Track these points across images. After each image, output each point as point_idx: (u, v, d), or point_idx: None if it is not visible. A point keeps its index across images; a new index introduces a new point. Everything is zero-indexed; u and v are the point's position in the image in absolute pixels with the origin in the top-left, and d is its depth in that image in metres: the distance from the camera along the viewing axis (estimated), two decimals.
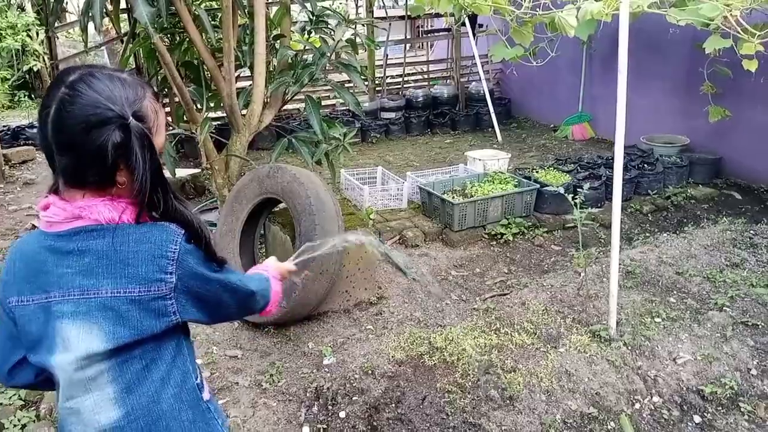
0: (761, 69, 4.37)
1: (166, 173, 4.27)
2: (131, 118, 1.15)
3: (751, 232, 4.62)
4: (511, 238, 4.81)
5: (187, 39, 4.00)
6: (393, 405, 2.84)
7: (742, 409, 2.85)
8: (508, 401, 2.83)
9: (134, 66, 6.33)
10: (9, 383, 1.34)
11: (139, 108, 1.18)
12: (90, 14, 3.28)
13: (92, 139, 1.12)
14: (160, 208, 1.22)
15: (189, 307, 1.27)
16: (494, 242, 4.81)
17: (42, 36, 10.20)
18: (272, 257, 1.77)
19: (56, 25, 5.60)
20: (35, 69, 11.02)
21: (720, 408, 2.87)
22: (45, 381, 1.30)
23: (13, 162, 7.09)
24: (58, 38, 6.45)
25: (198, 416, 1.32)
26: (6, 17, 9.89)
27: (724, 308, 3.48)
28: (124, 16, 5.48)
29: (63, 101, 1.13)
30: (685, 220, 5.22)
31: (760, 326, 3.31)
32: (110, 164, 1.15)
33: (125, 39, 5.41)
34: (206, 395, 1.38)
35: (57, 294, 1.19)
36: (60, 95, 1.13)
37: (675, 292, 3.73)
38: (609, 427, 2.75)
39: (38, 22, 9.78)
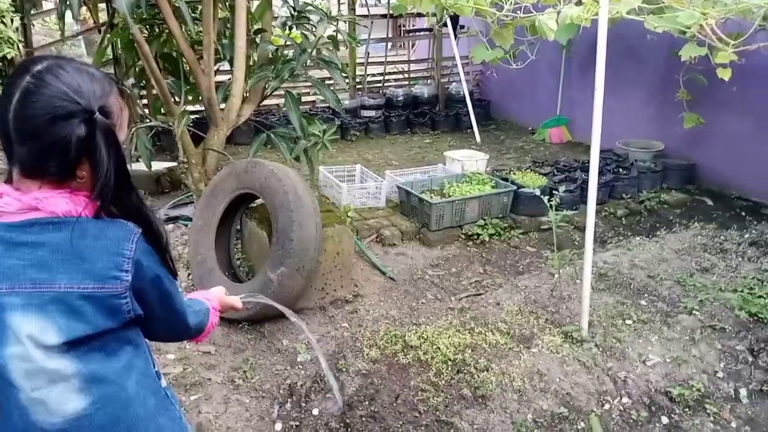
0: (735, 78, 4.46)
1: (142, 166, 4.23)
2: (97, 112, 1.14)
3: (722, 237, 4.71)
4: (487, 239, 4.85)
5: (167, 30, 3.96)
6: (366, 403, 2.85)
7: (708, 411, 2.91)
8: (480, 400, 2.85)
9: (111, 56, 6.23)
10: None
11: (106, 103, 1.17)
12: (68, 2, 3.23)
13: (56, 130, 1.11)
14: (121, 205, 1.20)
15: (137, 307, 1.25)
16: (471, 242, 4.84)
17: (17, 23, 10.01)
18: (220, 287, 1.73)
19: (32, 12, 5.50)
20: (9, 57, 10.81)
21: (687, 409, 2.92)
22: None
23: None
24: (33, 26, 6.33)
25: (159, 402, 1.34)
26: None
27: (693, 312, 3.55)
28: (103, 5, 5.39)
29: (28, 90, 1.11)
30: (657, 225, 5.31)
31: (727, 330, 3.38)
32: (72, 157, 1.13)
33: (103, 29, 5.33)
34: (164, 382, 1.40)
35: (4, 286, 1.15)
36: (25, 84, 1.11)
37: (646, 295, 3.79)
38: (579, 426, 2.79)
39: (13, 9, 9.59)
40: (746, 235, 4.76)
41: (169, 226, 4.97)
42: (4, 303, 1.15)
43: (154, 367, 1.37)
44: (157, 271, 1.26)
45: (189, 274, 4.01)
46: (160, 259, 1.28)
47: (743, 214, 5.48)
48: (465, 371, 3.02)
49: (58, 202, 1.16)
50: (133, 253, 1.20)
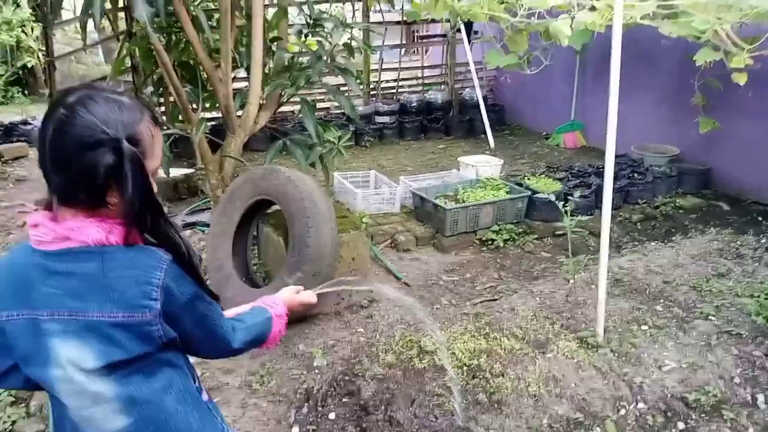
0: (750, 82, 4.45)
1: (161, 173, 4.29)
2: (124, 141, 1.16)
3: (738, 242, 4.68)
4: (501, 244, 4.85)
5: (185, 39, 4.02)
6: (383, 407, 2.87)
7: (724, 417, 2.90)
8: (495, 405, 2.86)
9: (130, 65, 6.33)
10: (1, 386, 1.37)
11: (134, 131, 1.19)
12: (90, 12, 3.29)
13: (85, 159, 1.14)
14: (150, 231, 1.23)
15: (170, 331, 1.27)
16: (485, 248, 4.86)
17: (36, 32, 10.18)
18: (290, 288, 1.73)
19: (54, 21, 5.60)
20: (29, 65, 10.99)
21: (703, 415, 2.91)
22: (35, 385, 1.32)
23: (5, 158, 7.06)
24: (54, 35, 6.46)
25: (202, 416, 1.37)
26: (1, 12, 9.87)
27: (709, 317, 3.54)
28: (122, 14, 5.49)
29: (61, 122, 1.15)
30: (673, 230, 5.29)
31: (744, 335, 3.36)
32: (101, 185, 1.16)
33: (122, 38, 5.42)
34: (205, 396, 1.42)
35: (45, 313, 1.20)
36: (58, 116, 1.16)
37: (662, 300, 3.78)
38: None
39: (33, 18, 9.77)
40: (763, 240, 4.72)
41: (187, 232, 5.04)
42: (46, 329, 1.21)
43: (195, 383, 1.40)
44: (189, 295, 1.27)
45: (207, 279, 4.06)
46: (193, 282, 1.29)
47: (760, 218, 5.45)
48: (480, 376, 3.03)
49: (89, 232, 1.19)
50: (161, 281, 1.21)
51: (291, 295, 1.69)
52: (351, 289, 2.00)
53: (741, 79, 4.36)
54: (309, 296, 1.74)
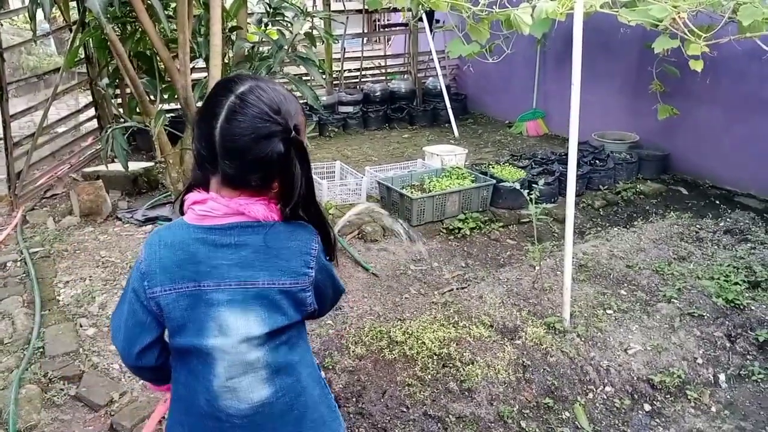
0: (707, 69, 4.55)
1: (119, 166, 4.17)
2: (293, 131, 1.24)
3: (697, 226, 4.80)
4: (468, 233, 4.87)
5: (140, 29, 3.89)
6: (354, 399, 2.85)
7: (689, 397, 2.97)
8: (466, 393, 2.88)
9: (84, 56, 6.13)
10: (136, 363, 1.42)
11: (297, 121, 1.27)
12: (39, 1, 3.15)
13: (259, 148, 1.21)
14: (306, 210, 1.32)
15: (314, 298, 1.38)
16: (452, 237, 4.87)
17: None
18: None
19: (0, 11, 5.37)
20: None
21: (668, 396, 2.98)
22: (162, 365, 1.43)
23: None
24: (2, 25, 6.20)
25: (321, 392, 1.47)
26: None
27: (672, 300, 3.61)
28: (73, 3, 5.30)
29: (233, 110, 1.21)
30: (634, 215, 5.39)
31: (705, 317, 3.45)
32: (273, 171, 1.25)
33: (74, 28, 5.24)
34: (323, 374, 1.55)
35: (211, 283, 1.28)
36: (230, 104, 1.22)
37: (626, 284, 3.85)
38: (564, 416, 2.82)
39: None
40: (721, 224, 4.85)
41: (148, 227, 4.92)
42: (212, 299, 1.28)
43: (316, 360, 1.52)
44: (328, 262, 1.42)
45: None
46: (327, 252, 1.41)
47: (717, 202, 5.59)
48: (450, 365, 3.04)
49: (258, 209, 1.28)
50: (316, 252, 1.35)
51: None
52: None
53: (698, 66, 4.45)
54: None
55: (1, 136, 5.39)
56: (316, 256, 1.35)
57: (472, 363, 3.04)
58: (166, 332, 1.39)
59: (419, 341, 3.19)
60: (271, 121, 1.21)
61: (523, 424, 2.75)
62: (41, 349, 3.26)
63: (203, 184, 1.31)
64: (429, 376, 2.96)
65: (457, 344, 3.19)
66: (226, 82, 1.27)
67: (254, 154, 1.22)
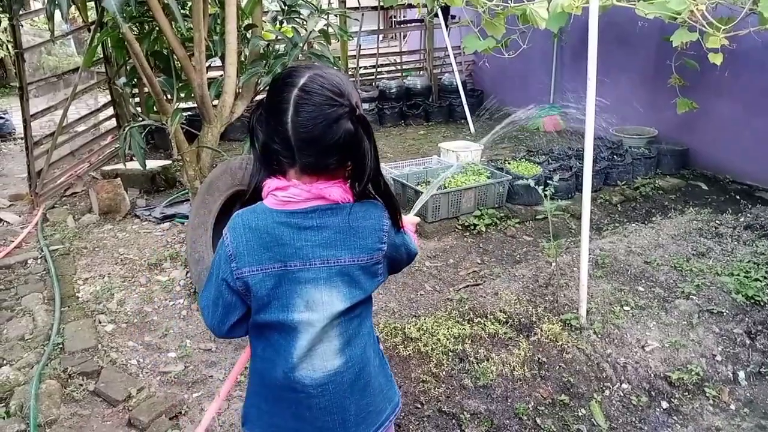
0: (726, 62, 4.47)
1: (137, 165, 4.21)
2: (357, 108, 1.30)
3: (717, 222, 4.73)
4: (483, 229, 4.85)
5: (157, 28, 3.93)
6: None
7: (707, 394, 2.93)
8: (481, 390, 2.87)
9: (102, 55, 6.20)
10: (227, 336, 1.52)
11: (357, 99, 1.33)
12: (56, 2, 3.20)
13: (333, 132, 1.27)
14: (375, 187, 1.40)
15: (386, 269, 1.49)
16: (467, 233, 4.85)
17: (5, 24, 9.92)
18: (408, 216, 1.89)
19: (20, 12, 5.45)
20: None
21: (686, 393, 2.94)
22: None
23: None
24: (22, 26, 6.28)
25: (380, 363, 1.58)
26: None
27: (690, 296, 3.57)
28: (91, 4, 5.36)
29: (300, 103, 1.27)
30: (653, 211, 5.33)
31: (724, 314, 3.40)
32: (347, 152, 1.31)
33: (92, 28, 5.30)
34: (381, 346, 1.65)
35: (297, 263, 1.37)
36: (295, 97, 1.27)
37: (643, 281, 3.81)
38: (580, 413, 2.80)
39: (0, 10, 9.52)
40: (741, 219, 4.78)
41: (166, 225, 4.97)
42: (299, 277, 1.37)
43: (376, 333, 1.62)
44: (396, 237, 1.49)
45: (187, 272, 4.01)
46: (394, 223, 1.48)
47: (738, 197, 5.51)
48: (465, 361, 3.03)
49: (335, 191, 1.35)
50: (387, 227, 1.43)
51: (409, 218, 1.84)
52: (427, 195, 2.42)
53: (717, 60, 4.38)
54: (414, 218, 1.89)
55: (22, 135, 5.48)
56: (388, 232, 1.44)
57: (487, 360, 3.03)
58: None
59: (434, 338, 3.19)
60: (337, 105, 1.27)
61: (539, 421, 2.73)
62: (61, 345, 3.31)
63: (277, 173, 1.39)
64: (443, 373, 2.96)
65: (471, 341, 3.18)
66: (285, 77, 1.32)
67: (328, 139, 1.27)
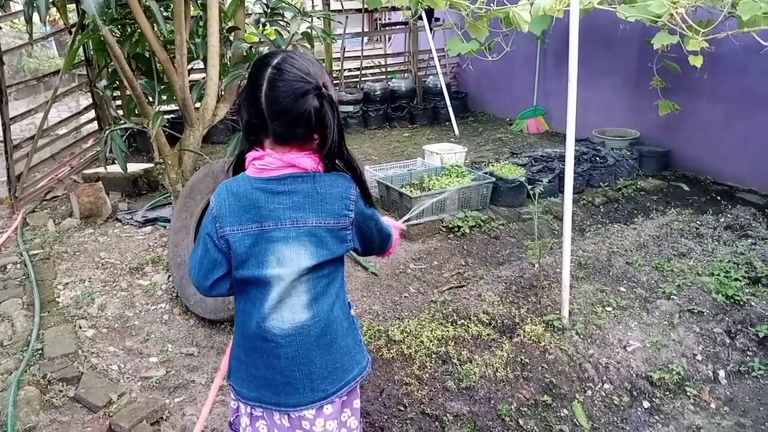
0: (706, 65, 4.53)
1: (118, 168, 4.17)
2: (323, 87, 1.46)
3: (698, 222, 4.78)
4: (467, 231, 4.86)
5: (138, 31, 3.90)
6: None
7: (688, 394, 2.96)
8: (464, 391, 2.87)
9: (84, 58, 6.14)
10: (210, 293, 1.69)
11: (325, 80, 1.50)
12: (35, 4, 3.17)
13: (299, 105, 1.44)
14: (341, 158, 1.56)
15: (356, 237, 1.64)
16: (451, 235, 4.86)
17: None
18: (395, 221, 2.05)
19: (0, 14, 5.39)
20: None
21: (668, 393, 2.97)
22: (233, 294, 1.70)
23: None
24: (1, 28, 6.22)
25: (349, 326, 1.73)
26: None
27: (671, 297, 3.60)
28: (72, 6, 5.31)
29: (273, 79, 1.45)
30: (635, 212, 5.37)
31: (705, 313, 3.43)
32: (311, 124, 1.47)
33: (73, 30, 5.24)
34: (353, 312, 1.79)
35: (271, 224, 1.54)
36: (269, 75, 1.46)
37: (625, 281, 3.84)
38: (562, 414, 2.82)
39: None
40: (722, 219, 4.83)
41: (148, 228, 4.93)
42: (272, 236, 1.55)
43: (348, 298, 1.77)
44: (364, 208, 1.65)
45: (169, 276, 3.97)
46: (363, 196, 1.65)
47: (718, 198, 5.57)
48: (449, 363, 3.04)
49: (306, 161, 1.52)
50: (354, 197, 1.59)
51: (391, 220, 1.99)
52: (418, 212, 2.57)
53: (697, 62, 4.43)
54: (401, 224, 2.09)
55: (2, 138, 5.41)
56: (355, 201, 1.59)
57: (470, 361, 3.04)
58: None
59: (417, 340, 3.19)
60: (304, 82, 1.45)
61: (522, 422, 2.74)
62: (40, 351, 3.27)
63: (256, 145, 1.56)
64: (427, 375, 2.96)
65: (455, 343, 3.18)
66: (262, 59, 1.52)
67: (296, 111, 1.45)
